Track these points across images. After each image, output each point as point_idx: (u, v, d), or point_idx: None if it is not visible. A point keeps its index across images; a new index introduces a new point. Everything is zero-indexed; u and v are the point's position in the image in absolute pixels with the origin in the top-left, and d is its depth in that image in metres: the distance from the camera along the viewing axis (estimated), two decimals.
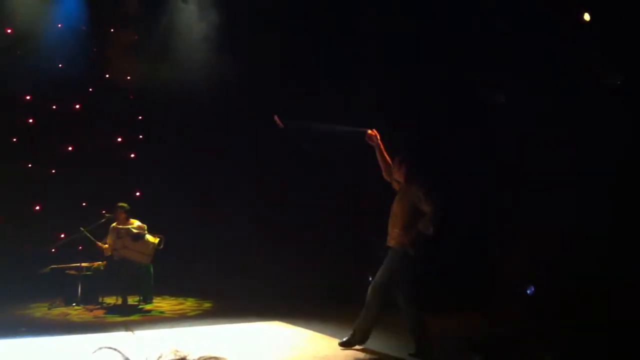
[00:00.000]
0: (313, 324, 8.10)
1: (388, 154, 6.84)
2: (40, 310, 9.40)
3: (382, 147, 6.80)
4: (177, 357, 0.94)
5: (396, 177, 6.70)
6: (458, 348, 6.96)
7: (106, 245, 9.83)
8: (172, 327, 8.19)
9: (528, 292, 9.28)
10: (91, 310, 9.40)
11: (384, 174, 6.83)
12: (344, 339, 6.80)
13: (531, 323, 7.90)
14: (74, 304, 9.59)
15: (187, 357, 0.94)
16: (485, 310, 8.53)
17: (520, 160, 9.41)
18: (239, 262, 11.05)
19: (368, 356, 6.14)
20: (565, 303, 8.28)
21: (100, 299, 9.94)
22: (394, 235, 6.53)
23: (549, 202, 9.00)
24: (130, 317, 9.06)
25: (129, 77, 12.55)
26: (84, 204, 11.91)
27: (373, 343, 6.82)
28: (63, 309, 9.47)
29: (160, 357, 0.92)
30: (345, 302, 9.26)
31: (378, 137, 6.78)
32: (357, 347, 6.71)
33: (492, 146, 9.87)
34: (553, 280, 8.84)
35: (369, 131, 6.77)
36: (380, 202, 7.24)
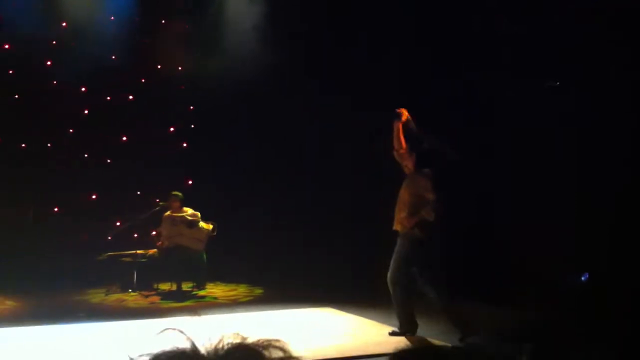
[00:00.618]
0: (364, 310, 8.14)
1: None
2: (97, 296, 9.65)
3: (401, 128, 6.90)
4: (239, 340, 0.99)
5: (405, 163, 6.87)
6: (504, 339, 6.89)
7: (160, 243, 10.03)
8: (225, 313, 8.33)
9: (582, 278, 9.15)
10: (146, 297, 9.61)
11: (395, 153, 6.96)
12: (394, 330, 6.88)
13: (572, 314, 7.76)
14: (129, 290, 9.81)
15: (248, 340, 0.99)
16: (525, 302, 8.39)
17: (545, 157, 9.31)
18: (290, 248, 11.12)
19: (420, 342, 6.14)
20: (601, 297, 8.14)
21: (155, 285, 10.15)
22: (399, 220, 6.76)
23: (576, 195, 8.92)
24: (184, 303, 9.24)
25: (180, 68, 12.73)
26: (138, 192, 12.16)
27: (423, 329, 6.85)
28: (119, 295, 9.70)
29: (221, 339, 0.97)
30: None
31: (405, 118, 6.88)
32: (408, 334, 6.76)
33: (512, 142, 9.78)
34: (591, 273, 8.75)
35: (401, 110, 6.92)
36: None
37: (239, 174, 12.19)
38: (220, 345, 0.98)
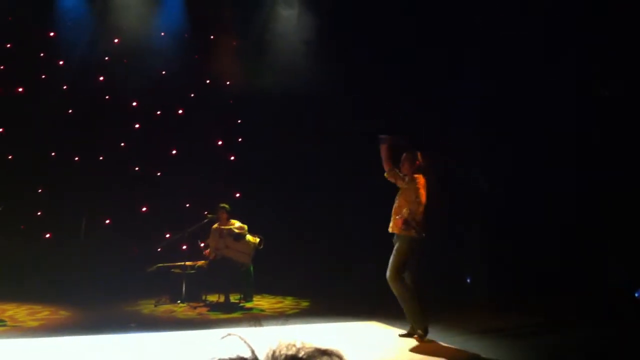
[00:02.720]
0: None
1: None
2: (147, 307, 9.78)
3: (387, 151, 7.54)
4: (294, 349, 1.02)
5: (404, 170, 7.42)
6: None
7: (207, 252, 10.15)
8: (272, 325, 8.37)
9: (637, 295, 9.00)
10: (195, 308, 9.72)
11: (387, 174, 7.56)
12: (404, 332, 7.39)
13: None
14: (178, 302, 9.93)
15: (303, 349, 1.02)
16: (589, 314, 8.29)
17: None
18: (337, 261, 11.14)
19: (469, 356, 6.12)
20: None
21: (203, 297, 10.27)
22: (395, 223, 7.32)
23: None
24: (232, 314, 9.33)
25: (228, 82, 12.92)
26: (187, 205, 12.35)
27: (469, 344, 6.81)
28: (169, 306, 9.83)
29: (278, 347, 1.01)
30: (441, 303, 9.24)
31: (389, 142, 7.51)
32: (456, 346, 6.73)
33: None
34: None
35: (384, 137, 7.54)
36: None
37: (286, 188, 12.28)
38: (277, 354, 1.01)
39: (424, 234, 7.23)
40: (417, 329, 7.22)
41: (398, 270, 7.26)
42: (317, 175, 12.17)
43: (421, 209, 7.16)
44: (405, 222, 7.14)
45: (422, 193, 7.16)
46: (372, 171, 11.61)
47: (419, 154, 7.42)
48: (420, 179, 7.25)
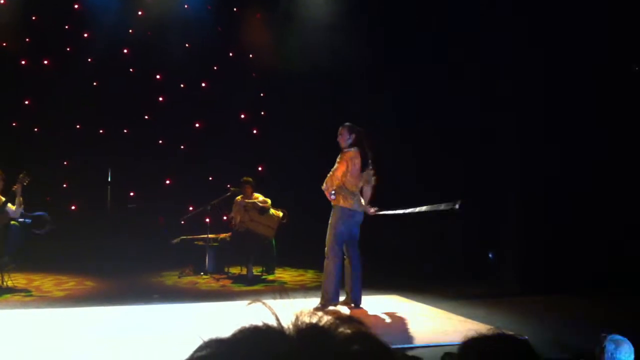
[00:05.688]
0: (430, 298, 8.13)
1: None
2: (171, 279, 9.91)
3: None
4: (316, 318, 1.02)
5: (339, 140, 7.55)
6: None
7: (233, 224, 10.21)
8: (293, 297, 8.44)
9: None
10: (218, 280, 9.83)
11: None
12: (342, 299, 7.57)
13: None
14: (202, 273, 10.05)
15: (327, 314, 1.03)
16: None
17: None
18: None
19: (491, 331, 6.07)
20: None
21: (226, 269, 10.37)
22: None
23: None
24: (254, 286, 9.41)
25: (251, 55, 12.90)
26: (210, 178, 12.41)
27: (492, 318, 6.81)
28: (192, 278, 9.94)
29: (301, 314, 1.01)
30: (463, 278, 9.27)
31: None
32: (478, 321, 6.72)
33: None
34: None
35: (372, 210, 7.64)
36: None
37: (309, 161, 12.27)
38: (300, 322, 1.02)
39: (357, 207, 7.42)
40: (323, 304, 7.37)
41: (333, 245, 7.37)
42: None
43: (336, 182, 7.32)
44: (326, 191, 7.40)
45: (339, 167, 7.35)
46: (398, 143, 11.62)
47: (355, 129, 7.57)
48: (347, 154, 7.40)
